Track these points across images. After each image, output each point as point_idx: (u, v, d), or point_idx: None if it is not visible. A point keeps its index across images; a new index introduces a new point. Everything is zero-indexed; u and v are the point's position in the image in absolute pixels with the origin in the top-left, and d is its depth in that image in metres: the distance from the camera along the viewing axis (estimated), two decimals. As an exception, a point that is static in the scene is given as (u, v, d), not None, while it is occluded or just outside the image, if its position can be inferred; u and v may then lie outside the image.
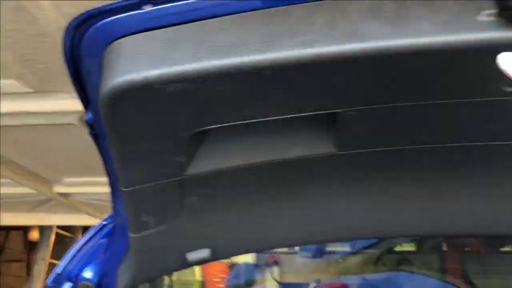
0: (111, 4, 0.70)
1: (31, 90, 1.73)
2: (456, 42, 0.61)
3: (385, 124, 0.80)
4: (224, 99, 0.73)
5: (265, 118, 0.77)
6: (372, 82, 0.70)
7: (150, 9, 0.69)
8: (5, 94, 1.72)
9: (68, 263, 1.13)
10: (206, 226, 1.02)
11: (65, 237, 4.97)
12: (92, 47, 0.71)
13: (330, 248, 3.14)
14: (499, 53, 0.57)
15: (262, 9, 0.66)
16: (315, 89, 0.71)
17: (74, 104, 1.82)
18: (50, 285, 1.11)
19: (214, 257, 1.05)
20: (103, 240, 1.14)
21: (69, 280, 1.12)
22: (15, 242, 5.62)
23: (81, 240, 1.15)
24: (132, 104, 0.69)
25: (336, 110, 0.76)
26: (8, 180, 2.59)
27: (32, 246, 5.39)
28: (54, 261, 4.80)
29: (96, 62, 0.71)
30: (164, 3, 0.69)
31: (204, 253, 1.05)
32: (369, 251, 2.94)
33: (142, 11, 0.69)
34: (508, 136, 0.79)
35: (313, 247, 3.12)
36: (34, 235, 5.15)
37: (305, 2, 0.65)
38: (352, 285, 2.89)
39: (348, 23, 0.64)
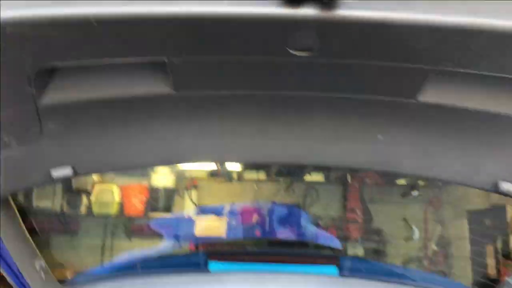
0: None
1: None
2: (245, 14, 0.78)
3: (206, 73, 0.97)
4: (61, 43, 0.85)
5: (102, 61, 0.91)
6: (186, 38, 0.85)
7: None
8: None
9: None
10: (66, 147, 1.17)
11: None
12: None
13: (247, 175, 3.37)
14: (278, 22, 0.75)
15: None
16: (138, 40, 0.86)
17: None
18: None
19: (75, 174, 1.21)
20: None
21: None
22: None
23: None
24: None
25: (163, 59, 0.91)
26: None
27: None
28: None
29: None
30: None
31: (66, 170, 1.21)
32: (281, 179, 3.22)
33: None
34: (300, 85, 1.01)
35: (229, 174, 3.33)
36: None
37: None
38: (263, 209, 3.12)
39: None
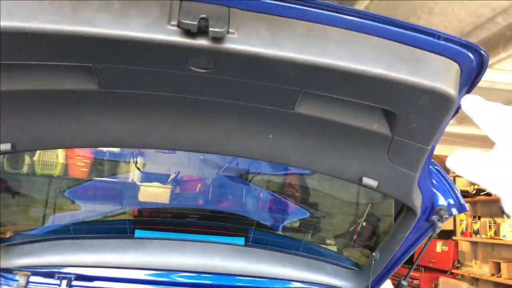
0: None
1: None
2: (151, 39, 1.03)
3: (125, 77, 1.22)
4: (4, 47, 1.07)
5: (33, 63, 1.14)
6: (102, 52, 1.09)
7: None
8: None
9: None
10: (7, 128, 1.38)
11: None
12: None
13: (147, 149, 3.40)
14: (176, 50, 1.01)
15: None
16: (65, 50, 1.09)
17: None
18: None
19: (14, 150, 1.43)
20: None
21: None
22: None
23: None
24: None
25: (89, 65, 1.15)
26: None
27: None
28: None
29: None
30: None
31: (7, 146, 1.42)
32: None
33: None
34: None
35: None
36: None
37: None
38: (208, 179, 3.30)
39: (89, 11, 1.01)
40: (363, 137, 1.40)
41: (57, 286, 1.85)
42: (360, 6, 1.69)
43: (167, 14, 1.02)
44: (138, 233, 1.97)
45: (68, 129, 1.41)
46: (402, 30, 1.08)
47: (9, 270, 1.81)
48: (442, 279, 6.79)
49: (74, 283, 1.87)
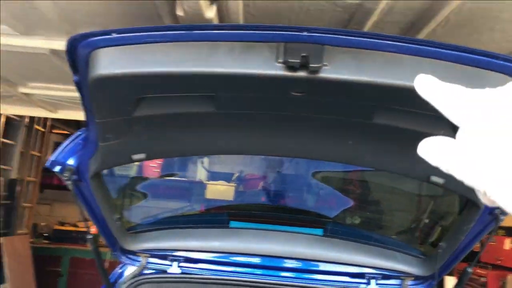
0: (93, 32, 1.33)
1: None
2: (264, 74, 1.35)
3: (239, 101, 1.56)
4: (148, 85, 1.43)
5: (175, 95, 1.51)
6: (225, 84, 1.42)
7: (115, 35, 1.34)
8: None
9: (58, 155, 1.85)
10: (143, 141, 1.77)
11: (13, 120, 5.44)
12: (82, 52, 1.35)
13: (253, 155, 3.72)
14: (279, 83, 1.34)
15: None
16: (193, 84, 1.43)
17: (48, 43, 2.41)
18: (48, 166, 1.85)
19: (148, 158, 1.83)
20: (80, 142, 1.85)
21: (59, 164, 1.85)
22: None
23: (66, 141, 1.86)
24: (102, 84, 1.35)
25: (212, 94, 1.50)
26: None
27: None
28: (4, 140, 5.32)
29: (84, 59, 1.35)
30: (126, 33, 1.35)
31: (142, 156, 1.82)
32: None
33: (110, 36, 1.33)
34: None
35: None
36: (-15, 117, 5.55)
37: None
38: (270, 178, 3.51)
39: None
40: None
41: (169, 267, 2.26)
42: (428, 29, 1.92)
43: (275, 54, 1.34)
44: (233, 223, 2.33)
45: (188, 141, 1.78)
46: (465, 54, 1.32)
47: (133, 252, 2.24)
48: (510, 277, 6.69)
49: (182, 264, 2.27)
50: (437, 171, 1.83)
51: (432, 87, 0.50)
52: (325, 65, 1.29)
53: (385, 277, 2.21)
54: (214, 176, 3.83)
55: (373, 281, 2.20)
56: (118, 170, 3.95)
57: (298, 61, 1.28)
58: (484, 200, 0.44)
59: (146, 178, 4.05)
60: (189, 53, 1.32)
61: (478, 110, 0.44)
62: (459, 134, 0.46)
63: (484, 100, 0.45)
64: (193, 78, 1.37)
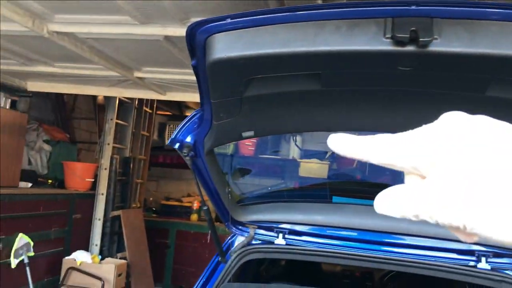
0: (210, 18, 1.46)
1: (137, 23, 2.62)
2: (373, 50, 1.38)
3: (344, 77, 1.60)
4: (261, 65, 1.53)
5: (283, 74, 1.59)
6: (331, 63, 1.47)
7: (229, 20, 1.45)
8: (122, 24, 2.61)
9: (177, 133, 2.06)
10: (252, 120, 1.90)
11: (125, 102, 6.00)
12: (200, 38, 1.48)
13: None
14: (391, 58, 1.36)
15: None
16: (303, 63, 1.49)
17: (163, 30, 2.65)
18: (168, 144, 2.07)
19: (256, 135, 1.96)
20: (196, 121, 2.04)
21: (178, 142, 2.06)
22: (84, 104, 6.73)
23: (184, 121, 2.06)
24: (218, 66, 1.48)
25: (319, 72, 1.56)
26: (101, 66, 3.52)
27: (99, 108, 6.50)
28: (119, 121, 5.91)
29: (201, 44, 1.49)
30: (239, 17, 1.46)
31: (251, 133, 1.95)
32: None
33: (225, 21, 1.45)
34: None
35: None
36: (101, 98, 6.21)
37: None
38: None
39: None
40: None
41: (275, 238, 2.41)
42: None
43: (383, 29, 1.35)
44: (335, 199, 2.40)
45: (294, 119, 1.87)
46: None
47: (243, 224, 2.43)
48: None
49: (287, 236, 2.40)
50: None
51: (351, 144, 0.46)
52: (436, 39, 1.27)
53: (497, 254, 2.13)
54: (307, 154, 3.91)
55: (483, 259, 2.13)
56: (217, 149, 4.24)
57: (407, 35, 1.27)
58: (462, 236, 0.42)
59: (244, 157, 4.25)
60: (296, 33, 1.38)
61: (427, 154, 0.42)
62: (424, 180, 0.42)
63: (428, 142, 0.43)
64: (300, 58, 1.43)
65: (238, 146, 4.73)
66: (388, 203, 0.42)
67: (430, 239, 2.24)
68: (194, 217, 7.34)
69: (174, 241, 7.16)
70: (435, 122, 0.47)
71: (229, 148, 4.45)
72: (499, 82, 1.47)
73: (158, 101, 6.61)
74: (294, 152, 4.11)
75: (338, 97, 1.73)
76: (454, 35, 1.29)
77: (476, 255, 2.16)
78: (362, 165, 3.39)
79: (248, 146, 4.91)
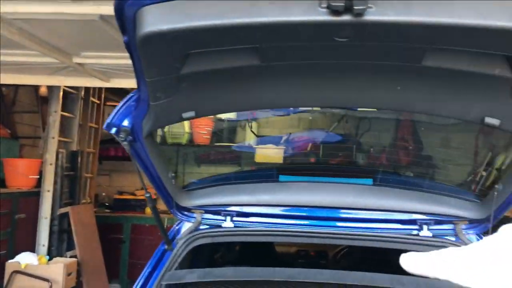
0: None
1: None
2: (305, 20, 1.35)
3: (283, 51, 1.57)
4: (197, 40, 1.47)
5: (220, 48, 1.54)
6: (267, 34, 1.43)
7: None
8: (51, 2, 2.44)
9: (113, 117, 1.96)
10: (192, 99, 1.83)
11: (70, 93, 5.72)
12: (129, 11, 1.40)
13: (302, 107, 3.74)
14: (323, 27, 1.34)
15: None
16: (241, 36, 1.45)
17: (97, 9, 2.50)
18: (104, 129, 1.97)
19: (197, 116, 1.90)
20: (133, 103, 1.94)
21: (114, 126, 1.96)
22: (25, 96, 6.36)
23: (120, 104, 1.96)
24: (150, 41, 1.41)
25: (256, 46, 1.52)
26: (35, 52, 3.31)
27: (43, 100, 6.16)
28: (64, 113, 5.63)
29: (131, 18, 1.41)
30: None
31: (191, 113, 1.89)
32: (335, 111, 3.37)
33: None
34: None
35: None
36: (43, 89, 5.88)
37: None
38: (318, 138, 3.52)
39: None
40: (485, 81, 1.58)
41: (223, 221, 2.37)
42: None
43: None
44: (282, 177, 2.39)
45: (236, 96, 1.82)
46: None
47: (188, 209, 2.37)
48: None
49: (235, 218, 2.37)
50: (491, 113, 1.74)
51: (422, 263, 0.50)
52: (370, 7, 1.25)
53: (438, 222, 2.20)
54: (263, 140, 3.90)
55: (425, 227, 2.20)
56: (171, 139, 4.12)
57: (342, 4, 1.25)
58: None
59: (197, 145, 4.17)
60: (232, 4, 1.33)
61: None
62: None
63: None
64: (236, 30, 1.38)
65: (192, 135, 4.64)
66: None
67: (375, 212, 2.28)
68: (149, 210, 7.18)
69: (129, 235, 6.99)
70: (495, 234, 0.51)
71: (183, 138, 4.37)
72: (434, 52, 1.49)
73: (107, 91, 6.36)
74: (250, 138, 4.09)
75: (279, 72, 1.70)
76: (389, 3, 1.28)
77: (418, 223, 2.22)
78: (316, 148, 3.42)
79: (203, 134, 4.83)
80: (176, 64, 1.59)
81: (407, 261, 0.50)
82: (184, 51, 1.52)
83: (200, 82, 1.74)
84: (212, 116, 3.79)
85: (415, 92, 1.73)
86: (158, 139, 3.90)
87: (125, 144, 1.93)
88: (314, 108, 3.56)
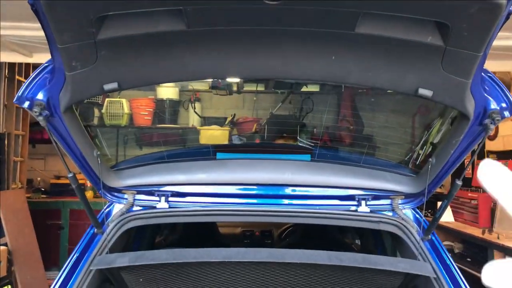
0: None
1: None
2: None
3: (209, 15, 1.44)
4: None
5: (139, 10, 1.39)
6: None
7: None
8: None
9: (25, 89, 1.75)
10: (114, 69, 1.66)
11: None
12: None
13: (246, 88, 3.68)
14: None
15: None
16: None
17: None
18: (15, 103, 1.76)
19: (120, 88, 1.73)
20: (47, 75, 1.74)
21: (27, 100, 1.76)
22: None
23: (32, 75, 1.75)
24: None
25: (181, 8, 1.38)
26: None
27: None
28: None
29: None
30: None
31: (114, 85, 1.72)
32: (279, 91, 3.63)
33: None
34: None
35: (229, 87, 3.67)
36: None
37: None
38: (262, 119, 3.62)
39: None
40: (418, 50, 1.56)
41: (157, 202, 2.23)
42: None
43: None
44: (219, 155, 2.28)
45: (162, 66, 1.67)
46: None
47: (119, 190, 2.21)
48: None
49: (170, 199, 2.24)
50: (425, 83, 1.72)
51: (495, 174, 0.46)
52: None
53: (375, 197, 2.20)
54: (206, 121, 3.77)
55: (363, 202, 2.19)
56: (109, 120, 3.87)
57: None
58: None
59: (137, 127, 3.96)
60: None
61: None
62: None
63: None
64: None
65: (132, 116, 4.40)
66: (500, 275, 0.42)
67: (314, 188, 2.24)
68: (89, 194, 6.85)
69: (68, 221, 6.66)
70: None
71: (123, 119, 4.12)
72: (367, 18, 1.43)
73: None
74: (194, 120, 3.94)
75: (206, 39, 1.57)
76: None
77: (357, 199, 2.20)
78: (261, 129, 3.35)
79: (144, 115, 4.60)
80: (90, 29, 1.42)
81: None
82: (97, 12, 1.35)
83: (122, 50, 1.58)
84: (152, 97, 3.63)
85: (350, 62, 1.68)
86: (96, 121, 3.68)
87: (40, 119, 1.74)
88: (258, 88, 3.56)
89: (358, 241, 3.56)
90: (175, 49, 1.62)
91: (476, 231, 4.81)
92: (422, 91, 1.69)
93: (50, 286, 1.86)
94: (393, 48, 1.59)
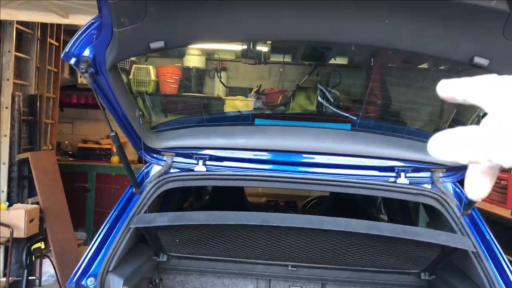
0: None
1: None
2: None
3: None
4: None
5: None
6: None
7: None
8: None
9: (72, 46, 1.74)
10: (161, 27, 1.64)
11: (25, 33, 5.27)
12: None
13: (272, 58, 3.64)
14: None
15: None
16: None
17: None
18: (62, 59, 1.75)
19: (167, 46, 1.71)
20: (94, 32, 1.73)
21: (74, 56, 1.75)
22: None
23: (80, 31, 1.74)
24: None
25: None
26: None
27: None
28: (19, 54, 5.21)
29: None
30: None
31: (160, 43, 1.70)
32: (306, 62, 3.56)
33: None
34: None
35: (257, 56, 3.63)
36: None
37: None
38: (288, 91, 3.57)
39: None
40: (479, 16, 1.48)
41: (195, 165, 2.24)
42: None
43: None
44: (258, 121, 2.26)
45: (209, 26, 1.64)
46: None
47: (158, 152, 2.22)
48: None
49: (208, 162, 2.24)
50: (481, 52, 1.65)
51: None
52: None
53: (415, 169, 2.16)
54: (232, 91, 3.76)
55: (402, 174, 2.15)
56: (136, 86, 3.90)
57: None
58: None
59: (164, 95, 3.97)
60: None
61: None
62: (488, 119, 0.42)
63: None
64: None
65: (159, 84, 4.42)
66: (442, 145, 0.43)
67: (352, 158, 2.21)
68: (115, 159, 6.97)
69: (94, 184, 6.81)
70: None
71: (150, 86, 4.14)
72: None
73: (67, 33, 5.91)
74: (219, 89, 3.93)
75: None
76: None
77: (396, 171, 2.17)
78: (286, 101, 3.32)
79: (170, 83, 4.62)
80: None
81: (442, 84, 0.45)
82: None
83: (170, 7, 1.55)
84: (179, 65, 3.68)
85: (404, 27, 1.61)
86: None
87: (86, 76, 1.74)
88: (285, 60, 3.49)
89: (384, 216, 3.54)
90: (225, 7, 1.58)
91: (504, 212, 4.73)
92: (478, 60, 1.62)
93: (82, 243, 1.90)
94: (452, 13, 1.51)
